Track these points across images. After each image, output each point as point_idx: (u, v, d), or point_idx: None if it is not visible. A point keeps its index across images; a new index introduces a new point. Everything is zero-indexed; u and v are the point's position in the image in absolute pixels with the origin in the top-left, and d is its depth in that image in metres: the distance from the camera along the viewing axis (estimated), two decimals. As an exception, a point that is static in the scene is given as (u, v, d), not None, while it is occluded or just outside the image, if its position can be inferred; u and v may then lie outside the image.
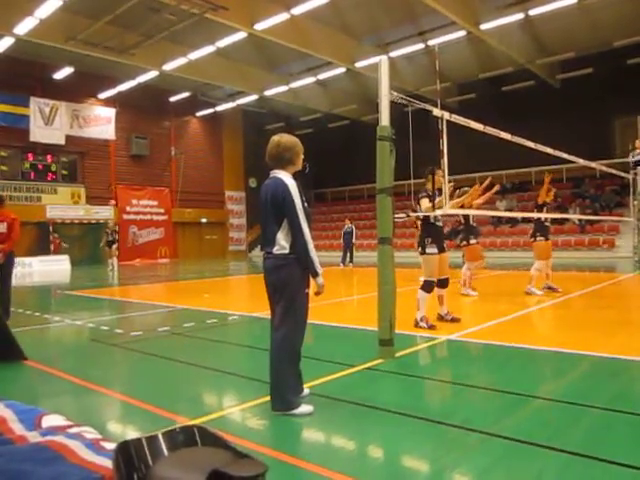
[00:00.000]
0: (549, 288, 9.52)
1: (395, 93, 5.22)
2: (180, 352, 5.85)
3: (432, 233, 6.69)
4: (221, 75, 24.43)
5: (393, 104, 5.20)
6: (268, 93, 26.55)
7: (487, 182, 9.24)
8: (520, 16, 18.60)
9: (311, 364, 5.06)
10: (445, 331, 6.28)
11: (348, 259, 20.14)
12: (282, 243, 3.58)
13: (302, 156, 3.81)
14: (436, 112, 5.72)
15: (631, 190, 14.13)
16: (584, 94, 22.88)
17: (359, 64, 22.52)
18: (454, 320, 6.78)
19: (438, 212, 6.12)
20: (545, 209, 9.54)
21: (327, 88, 27.75)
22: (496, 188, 9.76)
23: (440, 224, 6.80)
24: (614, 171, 12.99)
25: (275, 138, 3.77)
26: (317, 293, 3.72)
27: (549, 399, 3.92)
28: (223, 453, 0.88)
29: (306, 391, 3.97)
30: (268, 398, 3.77)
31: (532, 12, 18.39)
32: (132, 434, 3.51)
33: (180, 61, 21.78)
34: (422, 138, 6.61)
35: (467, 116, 6.46)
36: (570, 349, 5.33)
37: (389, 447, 3.18)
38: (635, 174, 14.35)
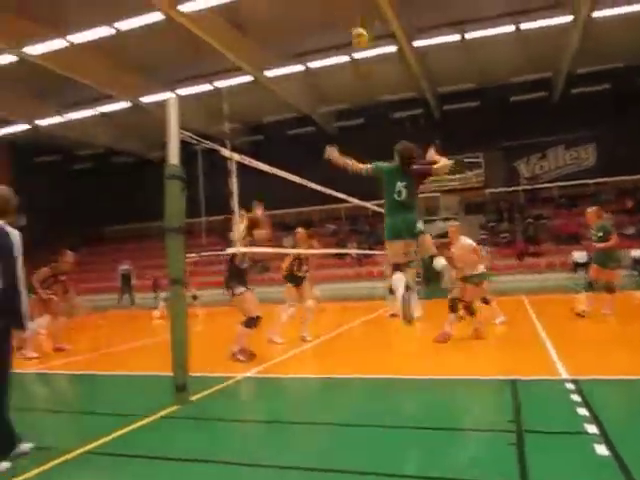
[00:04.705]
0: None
1: (184, 132, 5.18)
2: None
3: (234, 274, 6.81)
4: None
5: (182, 142, 5.15)
6: (40, 123, 24.23)
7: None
8: (301, 68, 20.22)
9: (96, 419, 4.65)
10: (241, 369, 6.29)
11: (129, 300, 19.28)
12: None
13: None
14: (225, 152, 5.83)
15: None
16: (358, 142, 25.51)
17: (145, 99, 21.98)
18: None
19: (230, 250, 6.17)
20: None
21: (110, 122, 26.39)
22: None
23: (244, 265, 6.87)
24: (383, 210, 14.62)
25: None
26: (20, 348, 3.56)
27: (334, 424, 4.16)
28: None
29: (25, 446, 3.61)
30: (47, 466, 3.34)
31: (311, 65, 20.15)
32: None
33: None
34: (211, 176, 6.66)
35: (256, 157, 6.71)
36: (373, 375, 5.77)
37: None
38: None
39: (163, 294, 13.82)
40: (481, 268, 7.53)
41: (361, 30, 8.63)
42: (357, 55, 19.68)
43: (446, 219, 24.34)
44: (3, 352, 3.50)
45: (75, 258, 9.72)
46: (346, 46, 19.36)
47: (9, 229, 3.53)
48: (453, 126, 24.85)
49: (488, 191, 26.27)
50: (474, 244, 7.62)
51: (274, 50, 19.58)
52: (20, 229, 3.66)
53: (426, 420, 4.12)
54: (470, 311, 7.38)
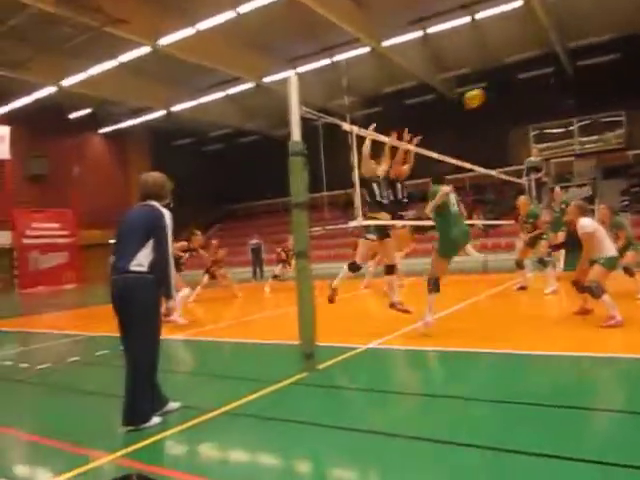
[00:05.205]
0: None
1: (305, 108, 5.29)
2: (94, 383, 5.54)
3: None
4: (125, 91, 23.65)
5: (303, 118, 5.27)
6: (175, 109, 26.00)
7: None
8: (419, 34, 19.57)
9: (234, 383, 5.01)
10: (365, 340, 6.40)
11: (259, 274, 20.22)
12: (142, 261, 3.80)
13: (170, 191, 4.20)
14: (346, 126, 5.88)
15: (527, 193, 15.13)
16: (481, 107, 24.34)
17: (267, 79, 22.66)
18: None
19: (353, 223, 6.25)
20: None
21: (236, 103, 27.63)
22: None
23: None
24: (511, 178, 13.90)
25: (149, 178, 4.13)
26: (166, 315, 3.93)
27: (462, 397, 4.10)
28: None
29: (173, 405, 4.09)
30: (192, 423, 3.70)
31: (430, 30, 19.42)
32: (45, 476, 3.28)
33: (80, 76, 20.85)
34: (332, 150, 6.77)
35: (375, 129, 6.68)
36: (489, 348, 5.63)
37: (318, 461, 3.19)
38: (529, 180, 15.40)
39: (277, 268, 14.73)
40: (609, 252, 6.46)
41: (476, 91, 8.70)
42: (478, 15, 18.60)
43: (580, 185, 22.59)
44: (156, 318, 3.92)
45: (203, 238, 11.14)
46: (465, 7, 18.39)
47: (163, 210, 3.99)
48: (589, 83, 22.69)
49: (631, 153, 23.80)
50: (588, 229, 6.47)
51: (391, 18, 19.11)
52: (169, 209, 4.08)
53: (561, 398, 3.91)
54: (592, 292, 6.33)
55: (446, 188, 6.30)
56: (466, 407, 3.90)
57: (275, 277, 14.87)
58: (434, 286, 6.41)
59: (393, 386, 4.66)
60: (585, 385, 4.34)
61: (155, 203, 4.01)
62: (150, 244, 3.84)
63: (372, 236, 6.96)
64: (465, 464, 2.91)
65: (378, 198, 6.90)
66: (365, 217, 6.66)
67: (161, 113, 26.77)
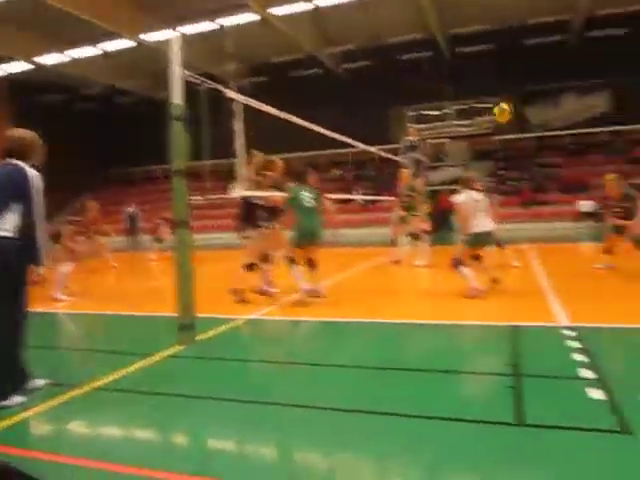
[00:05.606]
0: None
1: (187, 72, 5.06)
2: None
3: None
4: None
5: (186, 82, 5.04)
6: (41, 61, 23.69)
7: None
8: (308, 6, 19.50)
9: (107, 358, 4.79)
10: (248, 311, 6.40)
11: (135, 243, 19.46)
12: (7, 225, 3.54)
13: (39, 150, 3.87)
14: (230, 94, 5.72)
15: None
16: (364, 84, 24.98)
17: (148, 37, 21.41)
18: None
19: (233, 194, 6.17)
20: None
21: (114, 60, 25.72)
22: None
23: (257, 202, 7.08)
24: (390, 155, 14.45)
25: (15, 133, 3.78)
26: (36, 282, 3.67)
27: (337, 365, 4.27)
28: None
29: (38, 382, 3.83)
30: (59, 401, 3.49)
31: (319, 3, 19.44)
32: None
33: None
34: (215, 118, 6.57)
35: (260, 99, 6.57)
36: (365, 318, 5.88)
37: (194, 434, 3.15)
38: (405, 158, 16.06)
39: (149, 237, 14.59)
40: (473, 229, 6.73)
41: (505, 106, 9.09)
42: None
43: (453, 166, 24.11)
44: (23, 287, 3.62)
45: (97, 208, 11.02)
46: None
47: (28, 170, 3.63)
48: (464, 70, 24.14)
49: (497, 138, 25.80)
50: (456, 200, 6.84)
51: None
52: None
53: (426, 363, 4.21)
54: (452, 265, 6.85)
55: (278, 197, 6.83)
56: (339, 374, 4.06)
57: (156, 244, 14.61)
58: (292, 261, 6.85)
59: (269, 356, 4.72)
60: (450, 350, 4.69)
61: (19, 162, 3.65)
62: (15, 207, 3.53)
63: (250, 232, 7.02)
64: (336, 428, 3.03)
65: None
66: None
67: (26, 65, 24.27)
